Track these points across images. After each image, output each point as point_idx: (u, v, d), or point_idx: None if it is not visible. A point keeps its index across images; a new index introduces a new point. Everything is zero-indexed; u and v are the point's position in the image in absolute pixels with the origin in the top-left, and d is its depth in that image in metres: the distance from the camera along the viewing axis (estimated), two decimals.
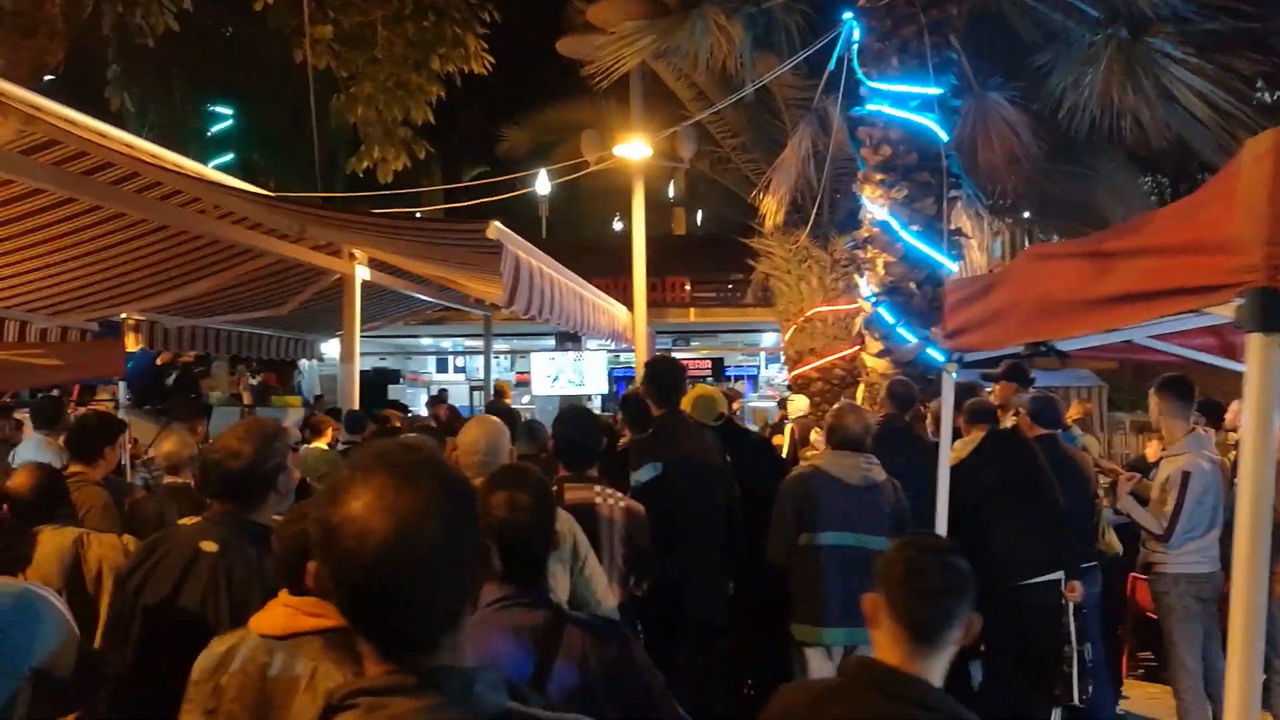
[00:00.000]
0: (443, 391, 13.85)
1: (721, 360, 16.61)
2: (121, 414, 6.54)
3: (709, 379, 14.91)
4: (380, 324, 10.92)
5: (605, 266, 11.42)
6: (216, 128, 19.43)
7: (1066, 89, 7.07)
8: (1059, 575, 4.24)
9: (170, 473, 4.31)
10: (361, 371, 7.93)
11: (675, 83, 10.61)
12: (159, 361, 10.32)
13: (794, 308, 10.35)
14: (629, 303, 9.83)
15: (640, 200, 10.25)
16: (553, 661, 1.91)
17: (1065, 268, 2.44)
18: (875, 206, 7.56)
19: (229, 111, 19.40)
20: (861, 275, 7.87)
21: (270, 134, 19.07)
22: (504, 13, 11.95)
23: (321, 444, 6.16)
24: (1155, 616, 4.91)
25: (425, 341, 17.67)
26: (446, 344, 17.73)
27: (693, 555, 3.92)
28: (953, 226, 7.66)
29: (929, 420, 5.40)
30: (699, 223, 21.22)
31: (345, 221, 6.13)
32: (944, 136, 7.33)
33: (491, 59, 11.70)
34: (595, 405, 13.34)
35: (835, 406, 4.39)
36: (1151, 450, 6.46)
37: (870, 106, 7.59)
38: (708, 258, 14.65)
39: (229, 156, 18.46)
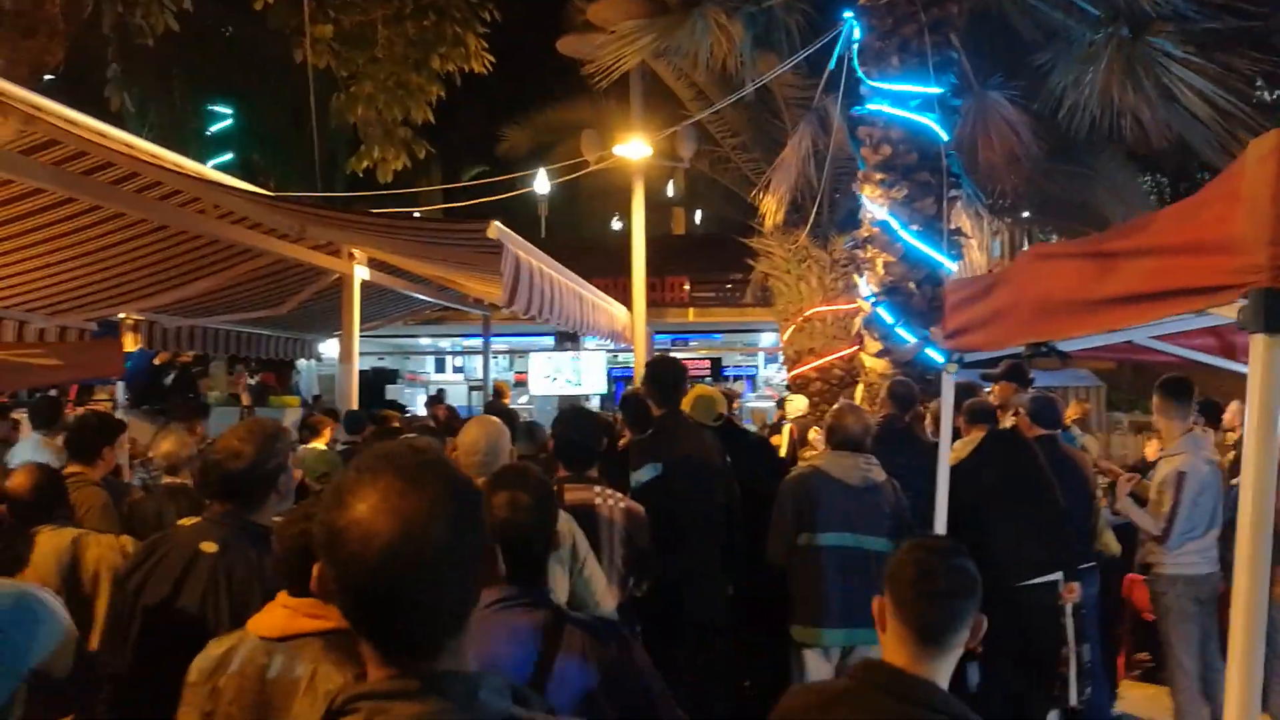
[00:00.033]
0: (441, 391, 13.85)
1: (720, 360, 16.61)
2: (120, 414, 6.53)
3: (707, 379, 14.90)
4: (379, 324, 10.91)
5: (604, 266, 11.42)
6: (216, 127, 19.42)
7: (1067, 88, 7.06)
8: (1058, 576, 4.23)
9: (169, 473, 4.30)
10: (360, 371, 7.92)
11: (675, 82, 10.60)
12: (157, 361, 10.30)
13: (793, 307, 10.35)
14: (628, 302, 9.83)
15: (640, 200, 10.25)
16: (553, 662, 1.91)
17: (1066, 268, 2.44)
18: (875, 206, 7.55)
19: (229, 111, 19.40)
20: (861, 275, 7.87)
21: (270, 134, 19.06)
22: (504, 12, 11.94)
23: (319, 444, 6.14)
24: (1152, 617, 4.91)
25: (424, 341, 17.67)
26: (445, 344, 17.73)
27: (693, 555, 3.92)
28: (952, 226, 7.65)
29: (928, 420, 5.39)
30: (698, 222, 21.22)
31: (346, 221, 6.12)
32: (944, 136, 7.32)
33: (492, 58, 11.70)
34: (594, 405, 13.33)
35: (835, 407, 4.38)
36: (1151, 450, 6.47)
37: (870, 106, 7.59)
38: (707, 257, 14.66)
39: (229, 156, 18.45)
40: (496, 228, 4.57)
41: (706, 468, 4.05)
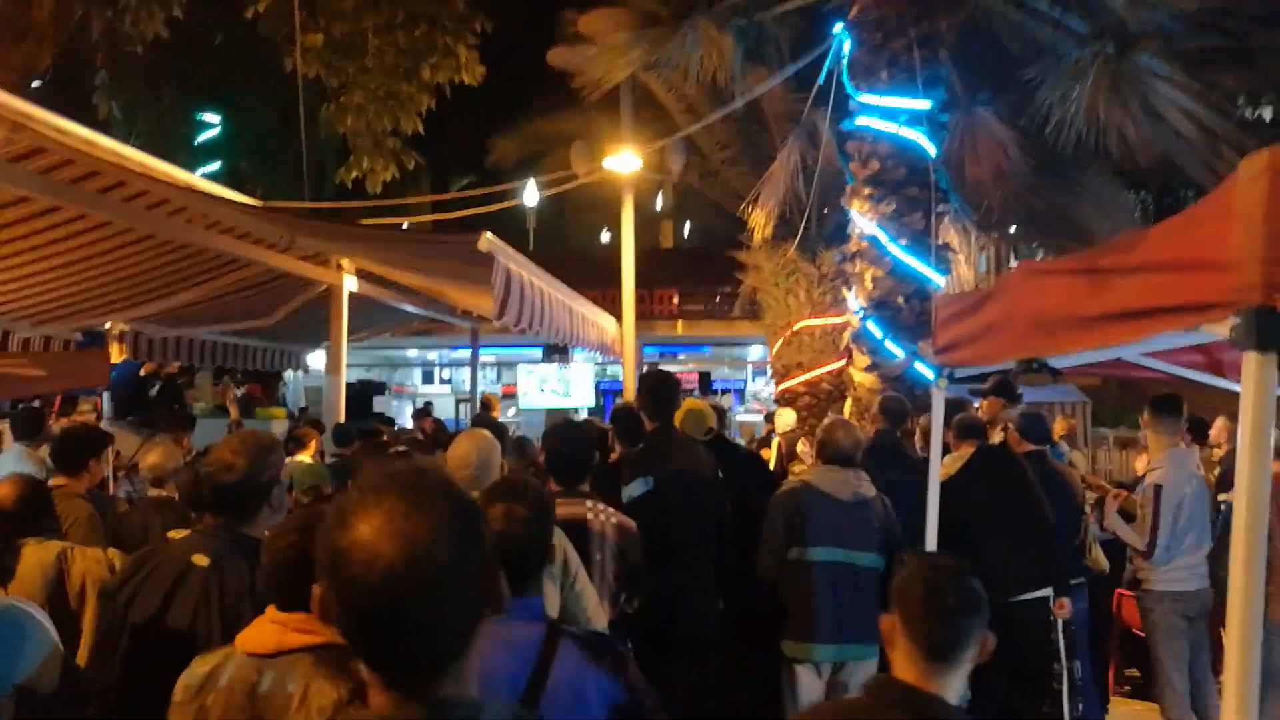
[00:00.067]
0: (428, 404, 13.78)
1: (709, 373, 16.62)
2: (105, 425, 6.48)
3: (695, 392, 14.91)
4: (366, 335, 10.86)
5: (592, 278, 11.41)
6: (204, 135, 19.34)
7: (1053, 104, 7.12)
8: (1048, 591, 4.24)
9: (155, 485, 4.26)
10: (347, 383, 7.88)
11: (665, 95, 10.64)
12: (142, 372, 10.22)
13: (781, 321, 10.37)
14: (616, 314, 9.82)
15: (630, 212, 10.27)
16: (547, 675, 1.90)
17: (1058, 284, 2.46)
18: (864, 220, 7.59)
19: (217, 119, 19.33)
20: (849, 289, 7.90)
21: (258, 142, 19.00)
22: (495, 23, 11.97)
23: (305, 457, 6.11)
24: (1141, 633, 4.92)
25: (411, 353, 17.61)
26: (433, 356, 17.67)
27: (685, 570, 3.91)
28: (940, 241, 7.70)
29: (918, 435, 5.41)
30: (686, 235, 21.26)
31: (337, 232, 6.10)
32: (932, 151, 7.37)
33: (482, 69, 11.72)
34: (582, 417, 13.31)
35: (826, 422, 4.39)
36: (1140, 465, 6.51)
37: (859, 120, 7.63)
38: (696, 270, 14.69)
39: (216, 165, 18.37)
40: (488, 239, 4.56)
41: (698, 482, 4.05)
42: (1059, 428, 7.41)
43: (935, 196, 7.36)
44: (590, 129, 11.27)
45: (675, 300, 14.81)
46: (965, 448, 4.81)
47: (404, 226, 10.66)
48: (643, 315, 11.92)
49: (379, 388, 15.68)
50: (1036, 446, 4.67)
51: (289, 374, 13.39)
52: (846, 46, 7.82)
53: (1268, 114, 10.73)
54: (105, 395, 7.19)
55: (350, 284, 7.36)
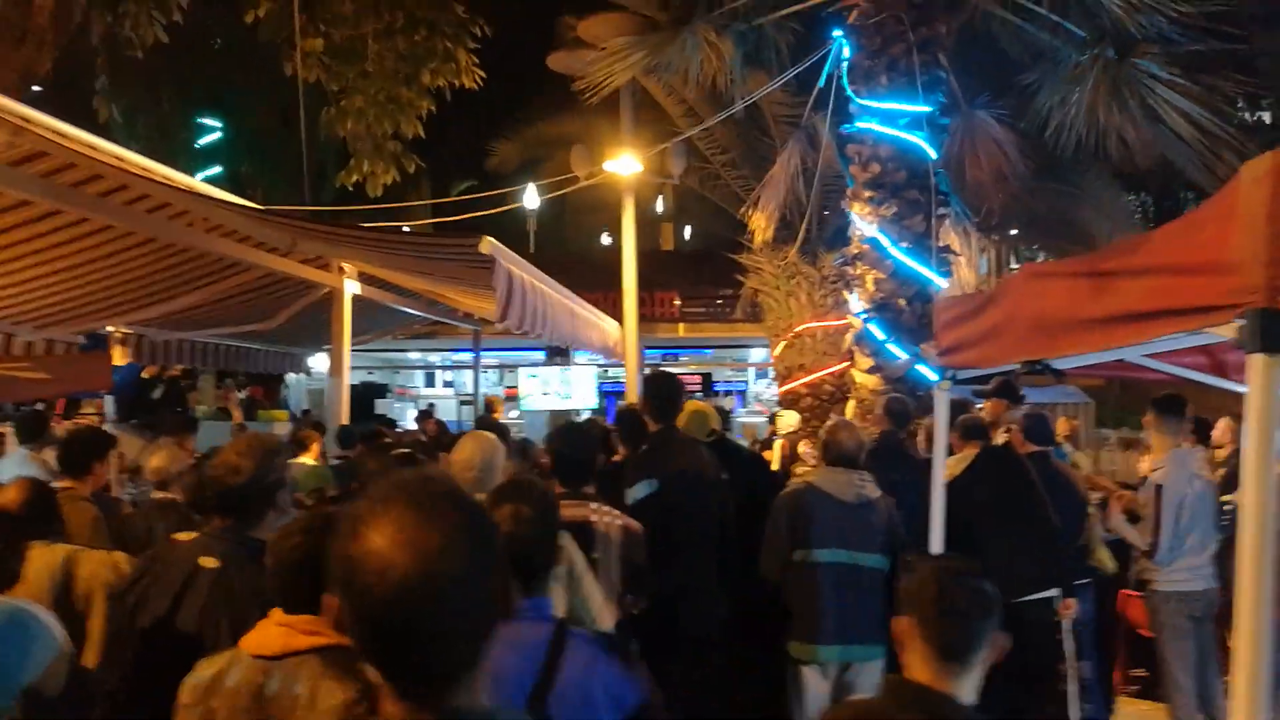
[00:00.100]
0: (430, 406, 13.79)
1: (711, 375, 16.62)
2: (108, 428, 6.47)
3: (699, 394, 14.91)
4: (369, 338, 10.87)
5: (593, 281, 11.43)
6: (205, 139, 19.37)
7: (1053, 108, 7.15)
8: (1054, 593, 4.25)
9: (159, 488, 4.26)
10: (349, 386, 7.88)
11: (665, 98, 10.66)
12: (145, 375, 10.23)
13: (783, 323, 10.39)
14: (617, 317, 9.83)
15: (630, 215, 10.28)
16: (555, 675, 1.91)
17: (1061, 286, 2.47)
18: (864, 223, 7.60)
19: (217, 124, 19.35)
20: (851, 291, 7.91)
21: (258, 146, 19.03)
22: (495, 27, 11.98)
23: (308, 459, 6.11)
24: (1147, 634, 4.93)
25: (413, 356, 17.60)
26: (435, 358, 17.66)
27: (688, 571, 3.92)
28: (941, 244, 7.71)
29: (921, 437, 5.41)
30: (687, 238, 21.29)
31: (338, 235, 6.11)
32: (933, 154, 7.39)
33: (482, 73, 11.73)
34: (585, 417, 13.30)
35: (829, 423, 4.40)
36: (1145, 466, 6.52)
37: (859, 124, 7.65)
38: (697, 273, 14.70)
39: (217, 169, 18.39)
40: (490, 243, 4.57)
41: (702, 483, 4.06)
42: (1061, 428, 7.41)
43: (936, 199, 7.38)
44: (590, 132, 11.29)
45: (676, 302, 14.81)
46: (969, 449, 4.82)
47: (405, 230, 10.67)
48: (644, 317, 11.92)
49: (381, 390, 15.67)
50: (1040, 447, 4.68)
51: (291, 377, 13.40)
52: (846, 51, 7.83)
53: (1267, 117, 10.77)
54: (108, 398, 7.19)
55: (352, 287, 7.37)
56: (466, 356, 13.58)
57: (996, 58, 8.33)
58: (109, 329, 7.83)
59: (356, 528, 1.03)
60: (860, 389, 7.69)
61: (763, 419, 12.14)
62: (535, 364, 15.09)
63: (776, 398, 11.27)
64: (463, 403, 15.49)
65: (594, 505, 3.32)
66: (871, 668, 4.01)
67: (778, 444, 7.93)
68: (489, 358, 14.56)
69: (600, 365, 14.86)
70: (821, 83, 8.00)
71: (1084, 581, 4.57)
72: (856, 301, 7.73)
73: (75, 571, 3.06)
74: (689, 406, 4.71)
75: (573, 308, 6.57)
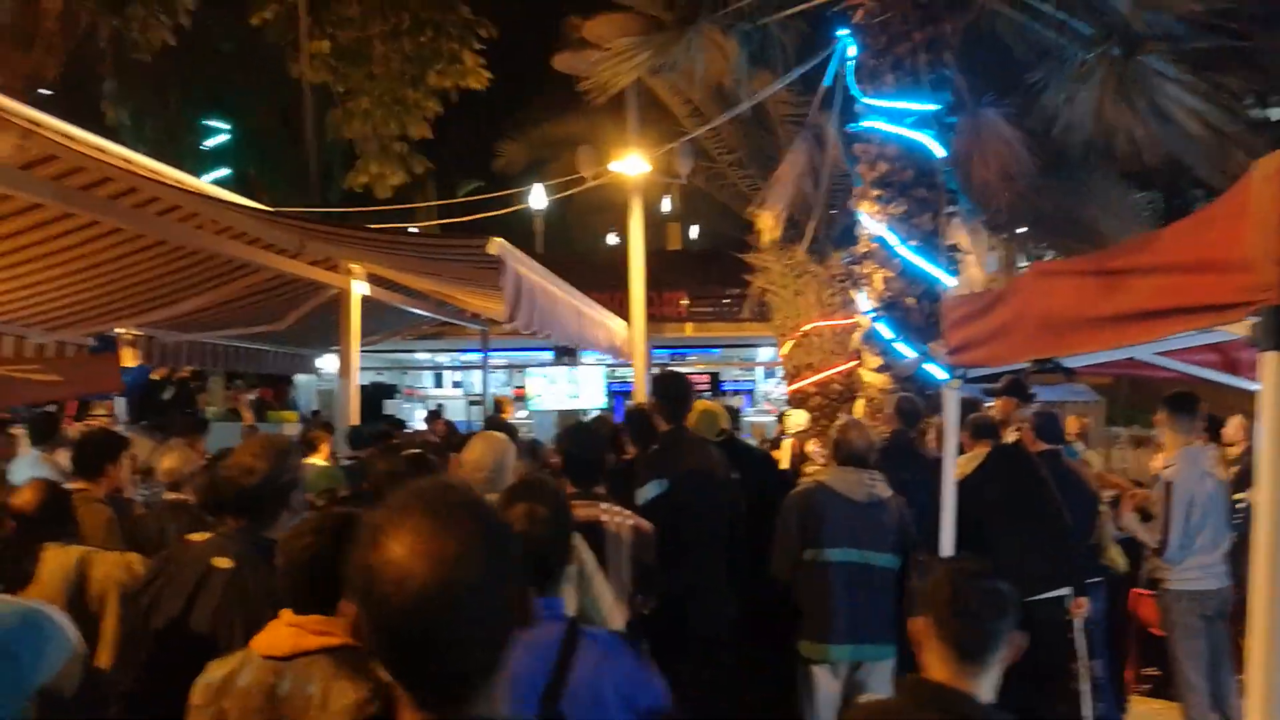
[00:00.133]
0: (440, 406, 13.82)
1: (719, 375, 16.62)
2: (119, 429, 6.51)
3: (707, 393, 14.91)
4: (377, 339, 10.90)
5: (601, 281, 11.44)
6: (212, 142, 19.43)
7: (1060, 106, 7.13)
8: (1065, 591, 4.24)
9: (171, 489, 4.28)
10: (358, 386, 7.91)
11: (671, 98, 10.66)
12: (155, 377, 10.28)
13: (791, 322, 10.38)
14: (625, 317, 9.84)
15: (638, 216, 10.28)
16: (568, 675, 1.92)
17: (1071, 285, 2.47)
18: (872, 222, 7.59)
19: (225, 126, 19.41)
20: (859, 290, 7.90)
21: (265, 148, 19.07)
22: (500, 29, 12.02)
23: (318, 459, 6.13)
24: (1159, 632, 4.91)
25: (422, 356, 17.63)
26: (443, 359, 17.69)
27: (698, 570, 3.92)
28: (949, 242, 7.70)
29: (931, 435, 5.41)
30: (694, 237, 21.28)
31: (346, 237, 6.13)
32: (940, 152, 7.37)
33: (488, 75, 11.76)
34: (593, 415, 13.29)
35: (840, 422, 4.40)
36: (1157, 464, 6.51)
37: (866, 123, 7.64)
38: (704, 272, 14.69)
39: (225, 171, 18.44)
40: (498, 244, 4.58)
41: (712, 481, 4.06)
42: (1072, 427, 7.40)
43: (943, 198, 7.36)
44: (596, 133, 11.30)
45: (684, 302, 14.80)
46: (979, 448, 4.81)
47: (412, 231, 10.69)
48: (652, 317, 11.93)
49: (390, 391, 15.70)
50: (1051, 446, 4.67)
51: (300, 377, 13.44)
52: (851, 50, 7.82)
53: (1275, 114, 10.72)
54: (119, 400, 7.22)
55: (361, 288, 7.39)
56: (475, 357, 13.62)
57: (1003, 56, 8.30)
58: (119, 331, 7.88)
59: (375, 537, 1.03)
60: (869, 388, 7.68)
61: (771, 418, 12.12)
62: (543, 364, 15.10)
63: (785, 397, 11.26)
64: (471, 403, 15.51)
65: (604, 505, 3.33)
66: (882, 667, 4.01)
67: (786, 443, 7.92)
68: (497, 358, 14.60)
69: (608, 365, 14.87)
70: (827, 82, 7.99)
71: (1095, 580, 4.55)
72: (865, 300, 7.72)
73: (89, 573, 3.08)
74: (698, 406, 4.71)
75: (580, 308, 6.58)
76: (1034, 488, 4.41)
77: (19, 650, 2.11)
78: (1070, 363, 3.57)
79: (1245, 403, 4.96)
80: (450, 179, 20.20)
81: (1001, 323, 2.97)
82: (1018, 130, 7.69)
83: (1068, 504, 4.39)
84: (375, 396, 13.99)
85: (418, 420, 13.57)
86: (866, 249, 7.69)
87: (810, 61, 8.24)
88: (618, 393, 14.83)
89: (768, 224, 8.84)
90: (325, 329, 8.94)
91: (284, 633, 1.91)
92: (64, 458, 5.54)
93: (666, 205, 18.60)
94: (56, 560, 3.07)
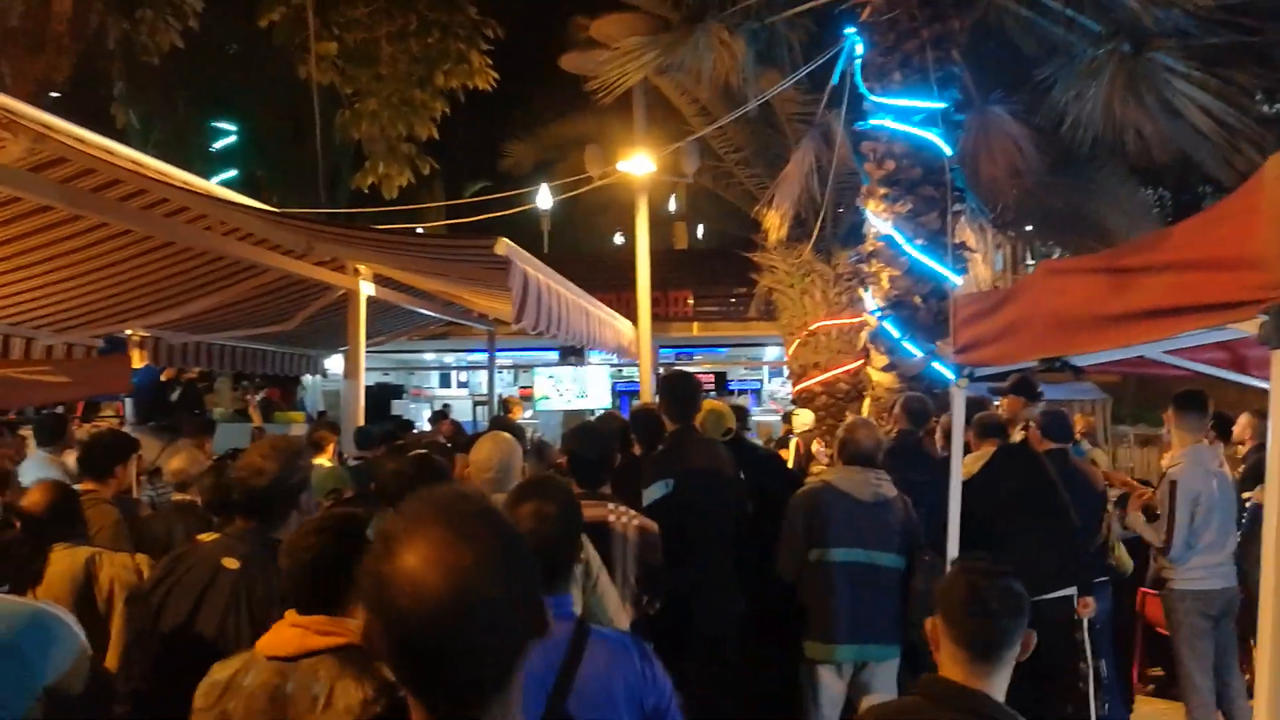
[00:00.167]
0: (446, 406, 13.83)
1: (725, 374, 16.60)
2: (126, 430, 6.53)
3: (713, 393, 14.89)
4: (384, 339, 10.92)
5: (607, 281, 11.44)
6: (220, 143, 19.49)
7: (1068, 103, 7.08)
8: (1072, 591, 4.22)
9: (179, 490, 4.30)
10: (365, 387, 7.92)
11: (678, 97, 10.65)
12: (163, 378, 10.31)
13: (797, 321, 10.36)
14: (631, 316, 9.83)
15: (644, 215, 10.27)
16: (575, 674, 1.91)
17: (1080, 283, 2.45)
18: (879, 220, 7.57)
19: (232, 127, 19.47)
20: (865, 289, 7.88)
21: (273, 149, 19.13)
22: (507, 29, 12.02)
23: (323, 460, 6.14)
24: (1165, 632, 4.89)
25: (428, 356, 17.65)
26: (450, 359, 17.72)
27: (703, 568, 3.92)
28: (957, 240, 7.67)
29: (938, 435, 5.39)
30: (700, 237, 21.26)
31: (353, 238, 6.14)
32: (948, 150, 7.34)
33: (495, 75, 11.77)
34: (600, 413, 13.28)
35: (847, 421, 4.38)
36: (1166, 462, 6.48)
37: (873, 121, 7.61)
38: (710, 271, 14.67)
39: (233, 172, 18.51)
40: (505, 244, 4.58)
41: (718, 480, 4.05)
42: (1078, 425, 7.37)
43: (951, 196, 7.33)
44: (603, 132, 11.30)
45: (690, 301, 14.78)
46: (986, 447, 4.79)
47: (418, 231, 10.71)
48: (658, 316, 11.92)
49: (396, 391, 15.73)
50: (1058, 444, 4.65)
51: (307, 378, 13.47)
52: (859, 48, 7.80)
53: None
54: (127, 401, 7.24)
55: (368, 289, 7.40)
56: (481, 357, 13.62)
57: (1011, 53, 8.27)
58: (127, 332, 7.90)
59: (389, 546, 1.03)
60: (876, 387, 7.66)
61: (777, 418, 12.10)
62: (549, 364, 15.11)
63: (791, 396, 11.24)
64: (477, 403, 15.53)
65: (611, 505, 3.33)
66: (887, 667, 4.00)
67: (793, 442, 7.91)
68: (503, 358, 14.60)
69: (614, 365, 14.86)
70: (835, 80, 7.96)
71: (1102, 580, 4.53)
72: (871, 299, 7.70)
73: (97, 573, 3.09)
74: (705, 405, 4.70)
75: (587, 308, 6.58)
76: (1041, 487, 4.39)
77: (26, 650, 2.12)
78: (1079, 361, 3.55)
79: (1253, 400, 4.95)
80: (457, 179, 20.23)
81: (1010, 321, 2.95)
82: (1026, 127, 7.67)
83: (1075, 503, 4.37)
84: (382, 397, 14.03)
85: (424, 421, 13.60)
86: (873, 247, 7.67)
87: (818, 60, 8.21)
88: (623, 393, 14.83)
89: (774, 223, 8.83)
90: (332, 330, 8.97)
91: (288, 633, 1.91)
92: (71, 459, 5.56)
93: (673, 205, 18.59)
94: (64, 561, 3.08)
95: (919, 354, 7.19)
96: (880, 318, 7.50)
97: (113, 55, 11.37)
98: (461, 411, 14.45)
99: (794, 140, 9.18)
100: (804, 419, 8.38)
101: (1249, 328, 1.67)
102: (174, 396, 10.50)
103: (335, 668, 1.86)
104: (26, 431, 7.01)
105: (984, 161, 7.80)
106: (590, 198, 12.34)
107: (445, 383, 18.03)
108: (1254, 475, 4.91)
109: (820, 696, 4.02)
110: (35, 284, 6.47)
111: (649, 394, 9.81)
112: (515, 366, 16.76)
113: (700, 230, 21.16)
